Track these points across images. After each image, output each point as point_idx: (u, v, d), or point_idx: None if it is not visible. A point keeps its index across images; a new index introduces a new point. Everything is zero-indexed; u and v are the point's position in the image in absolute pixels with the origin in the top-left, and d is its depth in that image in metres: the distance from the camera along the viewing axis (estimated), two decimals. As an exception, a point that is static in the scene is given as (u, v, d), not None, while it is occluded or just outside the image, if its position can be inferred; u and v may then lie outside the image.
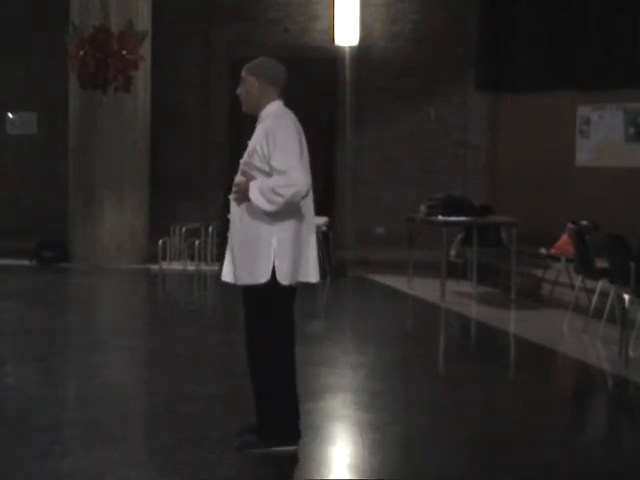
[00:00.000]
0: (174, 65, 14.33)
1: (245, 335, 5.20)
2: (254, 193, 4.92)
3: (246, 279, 5.02)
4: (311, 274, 5.15)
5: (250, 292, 5.04)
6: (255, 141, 5.04)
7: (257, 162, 4.98)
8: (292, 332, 5.15)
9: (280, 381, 5.11)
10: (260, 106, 5.13)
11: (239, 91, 5.18)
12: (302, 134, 5.07)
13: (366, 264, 13.54)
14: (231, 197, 5.10)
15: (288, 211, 4.96)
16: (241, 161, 5.19)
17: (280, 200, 4.87)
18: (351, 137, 14.32)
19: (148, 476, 4.88)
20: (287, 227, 5.01)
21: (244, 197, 4.99)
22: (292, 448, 5.12)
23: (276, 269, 4.96)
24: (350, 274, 13.09)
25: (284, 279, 4.98)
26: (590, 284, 9.21)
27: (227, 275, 5.15)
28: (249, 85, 5.14)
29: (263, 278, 4.96)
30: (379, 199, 14.26)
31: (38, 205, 14.60)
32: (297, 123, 5.08)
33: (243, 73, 5.18)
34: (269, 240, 4.97)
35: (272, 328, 5.06)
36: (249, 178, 4.99)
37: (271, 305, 5.03)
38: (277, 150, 4.92)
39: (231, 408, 6.02)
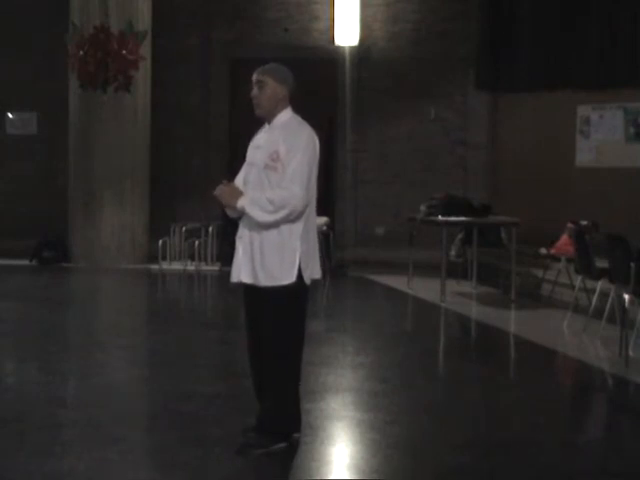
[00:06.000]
0: (174, 65, 14.34)
1: (252, 335, 5.19)
2: (249, 206, 5.01)
3: (270, 280, 5.03)
4: (317, 271, 5.22)
5: (272, 293, 5.03)
6: (275, 145, 5.04)
7: (279, 168, 5.00)
8: (304, 331, 5.20)
9: (289, 380, 5.14)
10: (277, 111, 5.14)
11: (255, 94, 5.16)
12: (317, 145, 5.11)
13: (366, 264, 13.54)
14: (216, 192, 5.13)
15: (303, 212, 5.04)
16: (249, 162, 5.20)
17: (276, 211, 4.95)
18: (351, 137, 14.33)
19: (148, 476, 4.88)
20: (307, 228, 5.10)
21: (230, 199, 5.06)
22: (295, 435, 5.21)
23: (302, 271, 5.03)
24: (350, 274, 13.09)
25: (308, 279, 5.09)
26: (590, 284, 9.21)
27: (245, 276, 5.12)
28: (271, 90, 5.11)
29: (288, 279, 5.01)
30: (379, 199, 14.26)
31: (38, 205, 14.61)
32: (314, 133, 5.13)
33: (261, 77, 5.13)
34: (294, 242, 5.03)
35: (291, 327, 5.09)
36: (236, 193, 5.07)
37: (293, 305, 5.08)
38: (292, 162, 4.97)
39: (231, 408, 6.02)
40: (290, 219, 5.00)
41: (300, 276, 5.04)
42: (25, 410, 5.93)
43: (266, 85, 5.12)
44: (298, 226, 5.05)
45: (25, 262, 13.57)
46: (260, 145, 5.16)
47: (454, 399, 6.57)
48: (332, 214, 13.80)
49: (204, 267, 13.28)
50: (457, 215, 11.14)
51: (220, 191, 5.12)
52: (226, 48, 14.45)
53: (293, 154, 4.99)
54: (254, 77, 5.17)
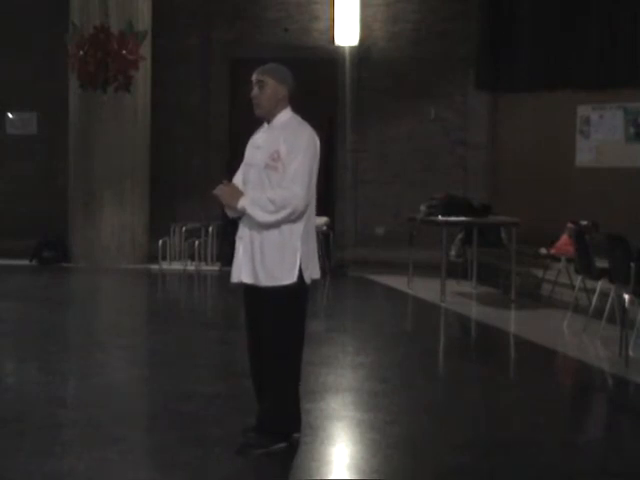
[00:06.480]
0: (174, 65, 14.34)
1: (252, 335, 5.19)
2: (250, 206, 5.00)
3: (271, 281, 5.03)
4: (316, 271, 5.22)
5: (273, 293, 5.03)
6: (275, 146, 5.03)
7: (280, 168, 5.00)
8: (304, 331, 5.20)
9: (290, 380, 5.15)
10: (276, 111, 5.14)
11: (255, 94, 5.15)
12: (317, 145, 5.11)
13: (366, 264, 13.54)
14: (216, 192, 5.14)
15: (304, 212, 5.04)
16: (248, 162, 5.20)
17: (277, 211, 4.95)
18: (351, 137, 14.33)
19: (148, 476, 4.89)
20: (308, 228, 5.10)
21: (230, 199, 5.06)
22: (295, 435, 5.21)
23: (303, 270, 5.03)
24: (350, 274, 13.08)
25: (308, 279, 5.09)
26: (590, 284, 9.21)
27: (246, 276, 5.12)
28: (271, 89, 5.10)
29: (289, 280, 5.01)
30: (379, 199, 14.26)
31: (38, 205, 14.61)
32: (314, 133, 5.12)
33: (261, 77, 5.12)
34: (295, 242, 5.03)
35: (291, 327, 5.09)
36: (237, 193, 5.07)
37: (294, 305, 5.08)
38: (293, 162, 4.97)
39: (231, 408, 6.02)
40: (291, 219, 5.00)
41: (300, 276, 5.04)
42: (25, 410, 5.93)
43: (266, 85, 5.12)
44: (299, 226, 5.05)
45: (25, 262, 13.57)
46: (260, 145, 5.16)
47: (454, 399, 6.57)
48: (332, 214, 13.80)
49: (204, 267, 13.28)
50: (457, 215, 11.14)
51: (220, 191, 5.12)
52: (226, 48, 14.45)
53: (294, 154, 4.98)
54: (254, 77, 5.17)
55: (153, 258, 13.35)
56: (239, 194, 5.08)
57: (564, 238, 10.59)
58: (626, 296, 7.76)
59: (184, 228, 13.50)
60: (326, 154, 13.67)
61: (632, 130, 12.26)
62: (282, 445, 5.12)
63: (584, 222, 10.58)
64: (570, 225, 10.44)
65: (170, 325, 9.20)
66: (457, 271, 12.12)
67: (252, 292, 5.14)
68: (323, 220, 12.32)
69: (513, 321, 10.04)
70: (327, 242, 12.70)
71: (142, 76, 13.39)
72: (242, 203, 5.04)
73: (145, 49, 13.37)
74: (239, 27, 14.46)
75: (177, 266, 13.27)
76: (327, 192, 13.78)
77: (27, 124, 15.04)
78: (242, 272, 5.13)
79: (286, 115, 5.16)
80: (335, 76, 14.24)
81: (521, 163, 13.44)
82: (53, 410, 5.97)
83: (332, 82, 14.22)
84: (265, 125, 5.21)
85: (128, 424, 5.74)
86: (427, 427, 5.84)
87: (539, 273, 11.44)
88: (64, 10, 13.48)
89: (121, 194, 13.42)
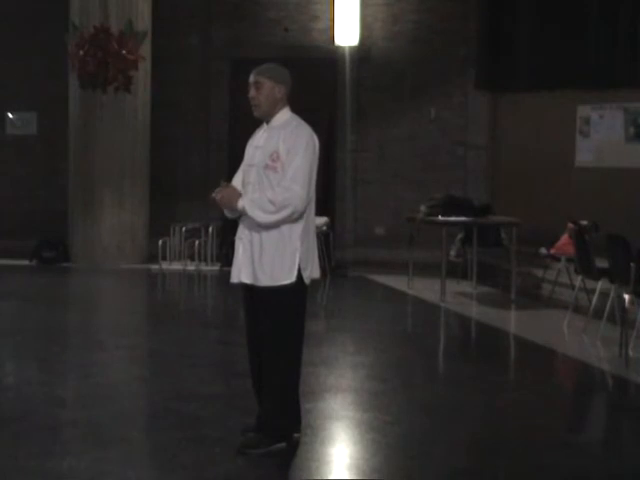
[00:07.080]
0: (174, 65, 14.33)
1: (252, 335, 5.20)
2: (249, 206, 5.00)
3: (270, 281, 5.03)
4: (316, 271, 5.22)
5: (272, 293, 5.03)
6: (275, 146, 5.03)
7: (279, 168, 5.00)
8: (304, 331, 5.20)
9: (289, 380, 5.14)
10: (275, 111, 5.14)
11: (253, 95, 5.15)
12: (317, 145, 5.10)
13: (366, 264, 13.54)
14: (215, 195, 5.14)
15: (304, 212, 5.04)
16: (248, 162, 5.20)
17: (277, 211, 4.95)
18: (351, 137, 14.33)
19: (148, 476, 4.89)
20: (307, 228, 5.10)
21: (229, 200, 5.07)
22: (295, 435, 5.22)
23: (302, 271, 5.04)
24: (350, 274, 13.08)
25: (308, 279, 5.09)
26: (590, 284, 9.21)
27: (245, 276, 5.12)
28: (269, 90, 5.11)
29: (288, 280, 5.01)
30: (379, 199, 14.26)
31: (38, 205, 14.61)
32: (313, 133, 5.12)
33: (258, 78, 5.12)
34: (294, 242, 5.02)
35: (291, 327, 5.09)
36: (236, 194, 5.08)
37: (293, 305, 5.08)
38: (293, 162, 4.97)
39: (231, 408, 6.02)
40: (291, 219, 5.00)
41: (300, 276, 5.04)
42: (25, 410, 5.93)
43: (263, 86, 5.12)
44: (298, 226, 5.05)
45: (25, 262, 13.57)
46: (259, 145, 5.16)
47: (454, 399, 6.57)
48: (332, 214, 13.79)
49: (204, 267, 13.28)
50: (457, 215, 11.14)
51: (219, 193, 5.12)
52: (226, 48, 14.44)
53: (293, 154, 4.98)
54: (251, 78, 5.17)
55: (153, 258, 13.35)
56: (238, 195, 5.08)
57: (564, 238, 10.59)
58: (626, 296, 7.76)
59: (184, 228, 13.50)
60: (326, 154, 13.71)
61: (632, 130, 12.26)
62: (282, 445, 5.12)
63: (584, 222, 10.57)
64: (570, 225, 10.44)
65: (170, 325, 9.20)
66: (457, 271, 12.13)
67: (252, 292, 5.14)
68: (323, 220, 12.32)
69: (513, 321, 10.04)
70: (327, 242, 12.70)
71: (142, 76, 13.39)
72: (242, 204, 5.04)
73: (145, 49, 13.37)
74: (239, 27, 14.45)
75: (177, 266, 13.26)
76: (327, 192, 13.79)
77: (27, 124, 15.03)
78: (241, 272, 5.13)
79: (285, 115, 5.16)
80: (335, 76, 14.23)
81: (521, 163, 13.44)
82: (53, 410, 5.97)
83: (332, 82, 14.21)
84: (264, 125, 5.22)
85: (128, 424, 5.74)
86: (427, 427, 5.84)
87: (539, 273, 11.44)
88: (64, 10, 13.48)
89: (121, 194, 13.41)
